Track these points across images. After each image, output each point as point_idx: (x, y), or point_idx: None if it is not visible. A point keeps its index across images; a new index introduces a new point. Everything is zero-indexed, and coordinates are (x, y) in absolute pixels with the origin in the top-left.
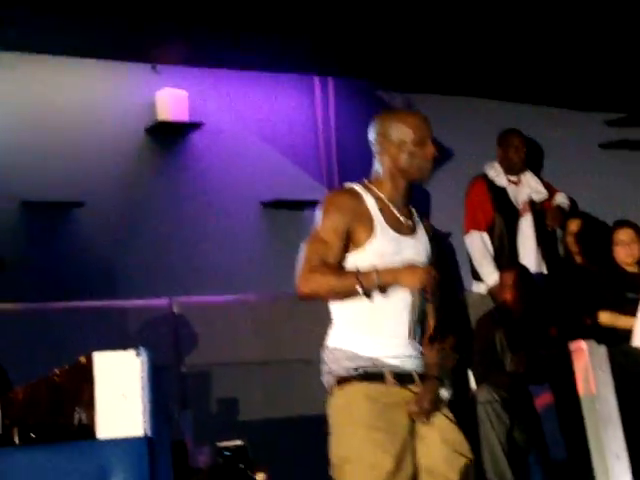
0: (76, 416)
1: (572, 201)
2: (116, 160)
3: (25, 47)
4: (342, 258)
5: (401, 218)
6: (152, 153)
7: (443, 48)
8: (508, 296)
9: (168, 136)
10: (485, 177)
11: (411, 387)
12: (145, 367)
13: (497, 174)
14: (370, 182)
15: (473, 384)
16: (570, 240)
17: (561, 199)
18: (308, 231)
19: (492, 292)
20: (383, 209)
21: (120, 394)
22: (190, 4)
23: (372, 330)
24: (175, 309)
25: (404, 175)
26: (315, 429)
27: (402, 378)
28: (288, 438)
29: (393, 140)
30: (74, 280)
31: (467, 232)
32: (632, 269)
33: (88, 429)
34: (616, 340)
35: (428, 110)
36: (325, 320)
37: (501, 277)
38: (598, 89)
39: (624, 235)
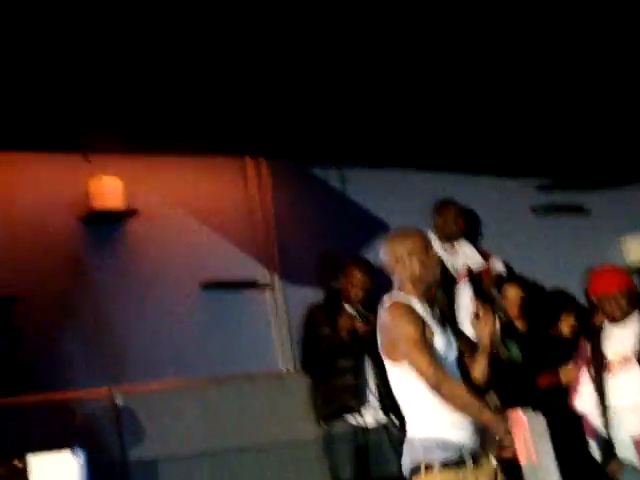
0: None
1: (507, 266)
2: (51, 251)
3: None
4: None
5: (435, 318)
6: (88, 242)
7: (373, 122)
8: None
9: (104, 224)
10: None
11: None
12: (82, 468)
13: (433, 244)
14: (403, 289)
15: None
16: (509, 305)
17: (497, 264)
18: (249, 310)
19: None
20: (425, 311)
21: None
22: (118, 93)
23: (456, 420)
24: (117, 399)
25: (420, 282)
26: None
27: (475, 458)
28: None
29: (404, 256)
30: (11, 375)
31: None
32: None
33: None
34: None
35: (363, 184)
36: (272, 401)
37: None
38: (529, 156)
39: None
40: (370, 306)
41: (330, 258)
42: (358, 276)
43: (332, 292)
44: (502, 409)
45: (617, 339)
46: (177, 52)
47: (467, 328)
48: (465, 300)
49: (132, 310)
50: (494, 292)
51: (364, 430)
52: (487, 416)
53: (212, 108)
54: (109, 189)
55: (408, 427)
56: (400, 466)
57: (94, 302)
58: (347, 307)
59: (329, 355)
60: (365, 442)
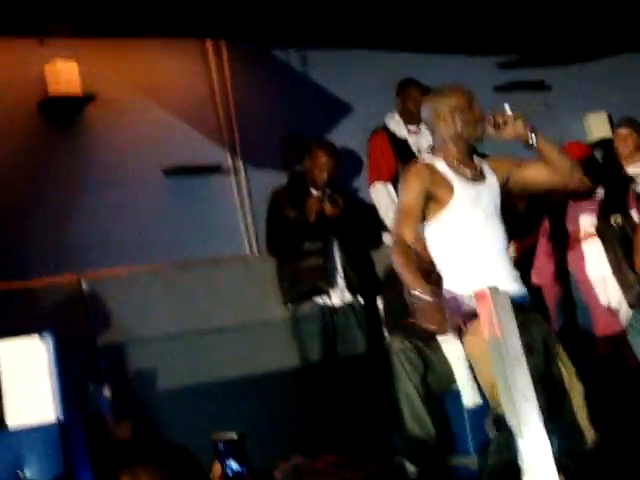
0: None
1: None
2: (8, 137)
3: None
4: (421, 217)
5: (468, 171)
6: (46, 128)
7: (334, 1)
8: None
9: (61, 110)
10: (386, 129)
11: None
12: (51, 351)
13: (397, 125)
14: (437, 148)
15: (386, 335)
16: None
17: None
18: (212, 195)
19: None
20: (454, 168)
21: (28, 381)
22: None
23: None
24: (83, 285)
25: (461, 139)
26: (234, 393)
27: None
28: (208, 405)
29: (445, 112)
30: None
31: (371, 184)
32: None
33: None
34: None
35: (324, 65)
36: (239, 284)
37: None
38: (490, 32)
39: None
40: (335, 188)
41: (293, 141)
42: (323, 159)
43: (296, 175)
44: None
45: (578, 215)
46: None
47: None
48: None
49: (95, 197)
50: None
51: (331, 310)
52: (413, 289)
53: None
54: (65, 74)
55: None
56: (367, 344)
57: (56, 189)
58: (313, 190)
59: (296, 238)
60: (332, 322)
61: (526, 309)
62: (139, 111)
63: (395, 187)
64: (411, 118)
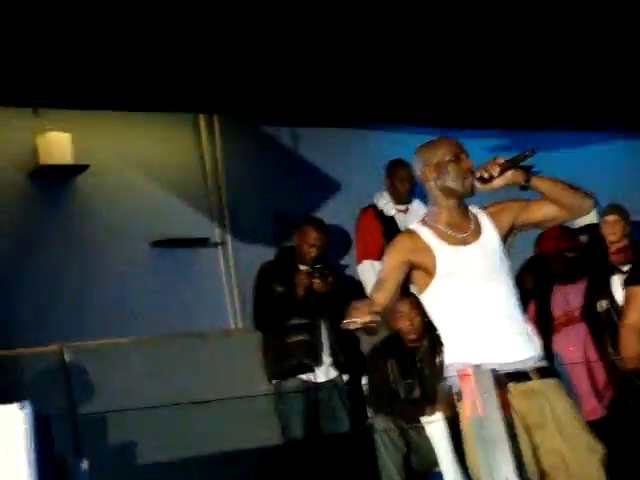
0: None
1: None
2: None
3: None
4: (396, 293)
5: (459, 235)
6: (36, 198)
7: (325, 80)
8: (401, 324)
9: (52, 180)
10: (374, 207)
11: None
12: (29, 420)
13: (386, 203)
14: (426, 215)
15: (370, 414)
16: None
17: None
18: (200, 268)
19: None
20: (440, 233)
21: (3, 450)
22: (68, 47)
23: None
24: (66, 355)
25: (450, 193)
26: (215, 468)
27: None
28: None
29: (432, 166)
30: None
31: (359, 262)
32: None
33: None
34: None
35: (315, 143)
36: (222, 359)
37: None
38: (482, 111)
39: None
40: (324, 264)
41: (282, 217)
42: (313, 235)
43: (284, 250)
44: None
45: (564, 299)
46: (129, 7)
47: None
48: None
49: (83, 267)
50: None
51: (315, 387)
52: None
53: (165, 64)
54: (57, 144)
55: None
56: (350, 423)
57: (44, 259)
58: (301, 266)
59: (283, 313)
60: (316, 399)
61: (543, 373)
62: (130, 183)
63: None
64: (400, 198)
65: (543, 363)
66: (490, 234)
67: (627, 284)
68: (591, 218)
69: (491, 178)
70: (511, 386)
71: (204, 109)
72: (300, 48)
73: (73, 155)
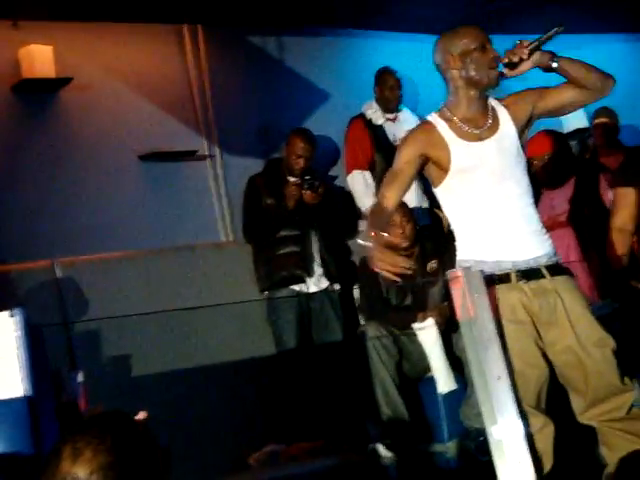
0: None
1: None
2: None
3: None
4: (408, 187)
5: (475, 130)
6: (21, 112)
7: None
8: (392, 232)
9: (36, 93)
10: (363, 116)
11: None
12: (20, 327)
13: (374, 113)
14: (444, 105)
15: (362, 322)
16: None
17: None
18: (188, 181)
19: None
20: (456, 128)
21: None
22: None
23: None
24: (57, 270)
25: (473, 84)
26: (209, 378)
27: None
28: (182, 390)
29: (456, 54)
30: None
31: (349, 172)
32: None
33: None
34: None
35: (302, 53)
36: (214, 271)
37: None
38: None
39: None
40: (313, 175)
41: (269, 128)
42: (300, 145)
43: (273, 162)
44: None
45: (551, 203)
46: None
47: (410, 197)
48: None
49: (70, 182)
50: None
51: (307, 297)
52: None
53: None
54: (39, 57)
55: None
56: (342, 331)
57: (31, 174)
58: (290, 178)
59: (273, 225)
60: (308, 309)
61: (555, 270)
62: (115, 96)
63: (372, 174)
64: (389, 106)
65: (555, 260)
66: (508, 129)
67: (615, 185)
68: (580, 122)
69: (520, 61)
70: (523, 285)
71: (188, 19)
72: None
73: (55, 67)
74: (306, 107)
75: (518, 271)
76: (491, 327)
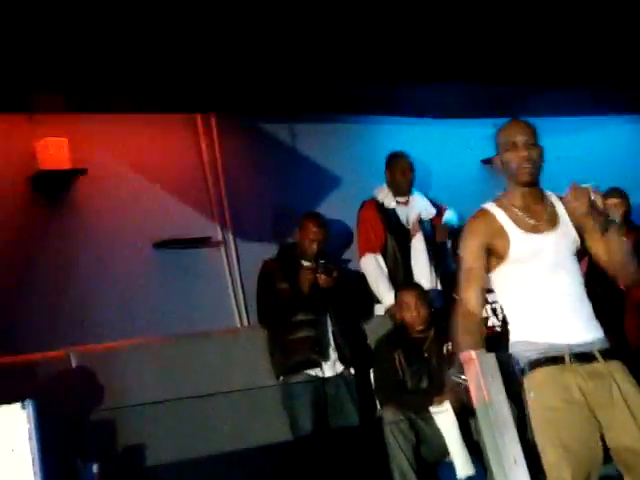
0: None
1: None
2: None
3: None
4: (484, 276)
5: (533, 222)
6: (37, 203)
7: (321, 75)
8: (406, 315)
9: (52, 185)
10: (375, 200)
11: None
12: (32, 419)
13: (386, 196)
14: (502, 194)
15: (379, 406)
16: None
17: (449, 215)
18: (203, 267)
19: (390, 312)
20: (514, 217)
21: (9, 449)
22: (64, 50)
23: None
24: (72, 359)
25: (513, 178)
26: (225, 465)
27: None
28: (201, 478)
29: (500, 152)
30: None
31: (362, 255)
32: None
33: None
34: None
35: (313, 139)
36: (229, 357)
37: (398, 296)
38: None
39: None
40: (327, 259)
41: (282, 213)
42: (314, 229)
43: (286, 247)
44: None
45: None
46: (124, 8)
47: (424, 279)
48: (420, 251)
49: (85, 272)
50: (444, 241)
51: (322, 381)
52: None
53: (159, 64)
54: (55, 149)
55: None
56: (358, 416)
57: (46, 264)
58: (303, 262)
59: (288, 309)
60: (324, 394)
61: (608, 355)
62: (129, 185)
63: (384, 258)
64: (400, 189)
65: (607, 345)
66: (566, 223)
67: None
68: None
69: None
70: (577, 366)
71: (200, 108)
72: (295, 44)
73: (71, 159)
74: (318, 191)
75: (572, 353)
76: (507, 410)
